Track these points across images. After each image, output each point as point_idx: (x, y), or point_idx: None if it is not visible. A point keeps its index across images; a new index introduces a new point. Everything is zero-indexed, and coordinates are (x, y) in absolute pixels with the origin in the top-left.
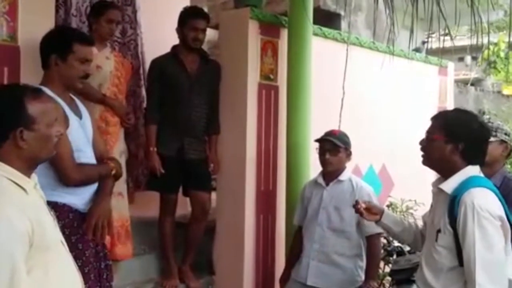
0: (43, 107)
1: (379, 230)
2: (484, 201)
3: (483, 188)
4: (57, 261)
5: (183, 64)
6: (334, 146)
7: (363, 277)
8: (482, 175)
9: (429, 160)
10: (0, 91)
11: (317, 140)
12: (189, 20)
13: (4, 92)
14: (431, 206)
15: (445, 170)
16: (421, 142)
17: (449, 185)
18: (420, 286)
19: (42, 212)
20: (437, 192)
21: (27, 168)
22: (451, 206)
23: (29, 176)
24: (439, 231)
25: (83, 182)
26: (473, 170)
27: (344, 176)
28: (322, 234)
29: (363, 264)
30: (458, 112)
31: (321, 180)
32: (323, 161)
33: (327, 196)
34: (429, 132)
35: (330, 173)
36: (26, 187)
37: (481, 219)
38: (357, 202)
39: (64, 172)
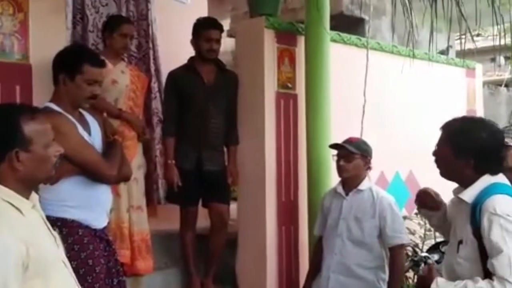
0: (39, 127)
1: (402, 241)
2: (507, 207)
3: (505, 195)
4: (57, 282)
5: (199, 75)
6: (349, 153)
7: None
8: (506, 181)
9: (443, 173)
10: None
11: (331, 147)
12: (203, 31)
13: None
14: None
15: (461, 181)
16: (433, 154)
17: (469, 194)
18: None
19: (40, 233)
20: (457, 201)
21: (25, 189)
22: (472, 215)
23: (27, 197)
24: (460, 242)
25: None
26: (493, 178)
27: (363, 186)
28: (342, 245)
29: (386, 276)
30: (464, 122)
31: (340, 190)
32: (338, 168)
33: (346, 206)
34: (438, 145)
35: (349, 182)
36: (22, 208)
37: (508, 225)
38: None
39: (103, 175)
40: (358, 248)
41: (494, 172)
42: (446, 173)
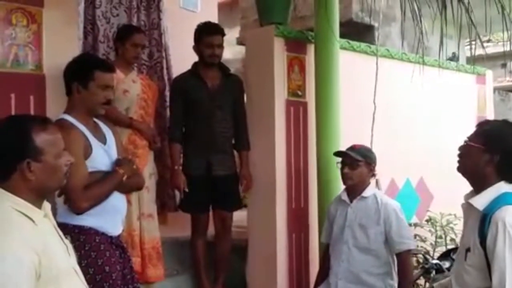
0: (50, 137)
1: (409, 246)
2: None
3: None
4: None
5: (203, 79)
6: (353, 160)
7: None
8: None
9: (463, 167)
10: (6, 122)
11: (335, 154)
12: (204, 36)
13: (10, 124)
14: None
15: (477, 181)
16: (460, 148)
17: (481, 201)
18: None
19: (52, 242)
20: (467, 207)
21: (37, 198)
22: (481, 224)
23: (39, 206)
24: (468, 250)
25: (94, 206)
26: (506, 186)
27: (367, 192)
28: (349, 252)
29: (394, 282)
30: (503, 123)
31: (345, 197)
32: (342, 176)
33: (351, 214)
34: (469, 138)
35: (354, 189)
36: (34, 218)
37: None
38: None
39: (73, 203)
40: (365, 255)
41: (511, 182)
42: (466, 167)
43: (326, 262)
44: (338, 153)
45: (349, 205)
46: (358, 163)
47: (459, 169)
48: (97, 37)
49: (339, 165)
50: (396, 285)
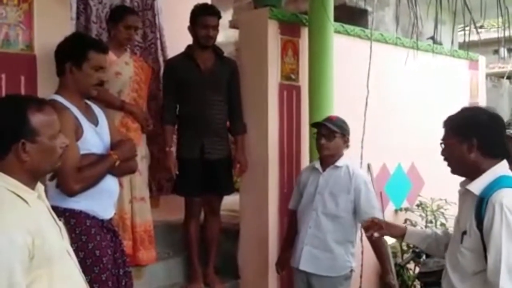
0: (46, 119)
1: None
2: None
3: None
4: (61, 272)
5: (196, 62)
6: (329, 131)
7: (352, 263)
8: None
9: (454, 167)
10: (2, 102)
11: (313, 125)
12: (199, 17)
13: (6, 104)
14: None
15: (470, 172)
16: (441, 153)
17: (477, 186)
18: None
19: (45, 223)
20: (464, 192)
21: (31, 179)
22: (478, 207)
23: (33, 187)
24: (464, 233)
25: (86, 189)
26: (502, 169)
27: (341, 162)
28: (317, 219)
29: (354, 250)
30: (464, 111)
31: (318, 166)
32: (319, 146)
33: (323, 181)
34: (443, 139)
35: (327, 159)
36: (28, 198)
37: (510, 220)
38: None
39: (65, 185)
40: (332, 222)
41: (499, 155)
42: (456, 166)
43: (292, 228)
44: (315, 124)
45: (321, 173)
46: (334, 134)
47: (453, 171)
48: (90, 17)
49: (314, 136)
50: (354, 251)
